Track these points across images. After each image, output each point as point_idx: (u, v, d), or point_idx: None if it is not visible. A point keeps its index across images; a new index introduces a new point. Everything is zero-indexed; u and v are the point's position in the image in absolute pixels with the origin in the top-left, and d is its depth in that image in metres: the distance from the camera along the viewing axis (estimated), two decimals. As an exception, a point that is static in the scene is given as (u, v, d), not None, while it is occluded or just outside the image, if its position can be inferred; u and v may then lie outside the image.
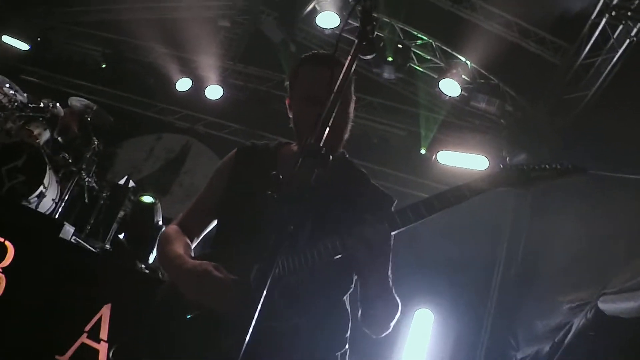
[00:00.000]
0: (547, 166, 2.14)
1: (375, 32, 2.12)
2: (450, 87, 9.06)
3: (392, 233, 2.12)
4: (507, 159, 2.20)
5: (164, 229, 2.64)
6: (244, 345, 1.44)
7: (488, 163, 9.04)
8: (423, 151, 10.22)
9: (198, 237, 2.66)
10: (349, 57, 2.01)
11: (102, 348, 4.63)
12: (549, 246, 8.10)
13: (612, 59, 7.81)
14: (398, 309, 2.35)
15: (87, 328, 4.73)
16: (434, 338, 8.53)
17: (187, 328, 2.19)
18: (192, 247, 2.56)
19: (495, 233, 9.54)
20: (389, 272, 2.24)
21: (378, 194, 2.58)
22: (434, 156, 9.76)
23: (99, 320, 4.75)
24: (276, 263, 1.54)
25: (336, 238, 2.11)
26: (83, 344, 4.66)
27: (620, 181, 6.65)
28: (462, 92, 9.12)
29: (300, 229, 2.21)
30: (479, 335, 8.90)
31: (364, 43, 2.08)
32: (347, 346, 2.45)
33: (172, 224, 2.65)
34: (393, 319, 2.35)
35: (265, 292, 1.51)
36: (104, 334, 4.68)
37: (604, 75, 8.00)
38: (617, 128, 7.22)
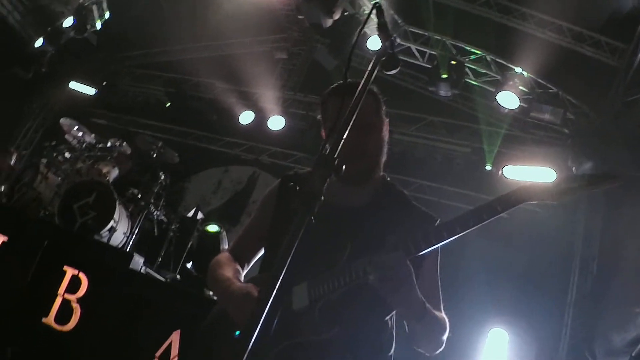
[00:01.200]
0: (577, 177, 2.09)
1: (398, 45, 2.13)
2: (508, 100, 8.96)
3: (411, 257, 2.11)
4: (573, 169, 2.16)
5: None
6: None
7: (555, 175, 8.85)
8: (489, 167, 10.09)
9: (248, 263, 2.74)
10: (367, 73, 2.00)
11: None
12: (623, 256, 7.87)
13: (671, 54, 7.61)
14: (443, 328, 2.35)
15: (158, 354, 4.86)
16: (510, 358, 8.34)
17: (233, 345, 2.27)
18: (243, 274, 2.65)
19: (567, 245, 9.31)
20: (419, 293, 2.18)
21: (419, 214, 2.58)
22: (500, 171, 9.63)
23: (169, 346, 4.87)
24: (281, 274, 1.56)
25: (359, 264, 2.15)
26: (153, 369, 4.79)
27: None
28: (522, 104, 9.01)
29: (338, 250, 2.27)
30: (556, 353, 8.65)
31: (384, 58, 2.08)
32: None
33: (224, 251, 2.76)
34: (438, 338, 2.36)
35: (268, 305, 1.51)
36: (174, 359, 4.80)
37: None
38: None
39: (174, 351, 4.86)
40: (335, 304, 2.21)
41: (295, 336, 2.18)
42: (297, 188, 1.71)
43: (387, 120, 2.65)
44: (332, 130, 1.88)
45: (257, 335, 1.47)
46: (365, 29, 8.96)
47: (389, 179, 2.69)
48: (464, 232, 2.11)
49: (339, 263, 2.23)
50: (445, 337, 2.37)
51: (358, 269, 2.15)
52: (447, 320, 2.38)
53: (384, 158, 2.61)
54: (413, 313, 2.20)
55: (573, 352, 8.43)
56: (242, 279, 2.56)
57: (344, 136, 1.84)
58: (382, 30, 2.18)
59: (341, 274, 2.18)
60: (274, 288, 1.53)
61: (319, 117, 2.73)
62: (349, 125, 1.87)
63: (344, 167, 1.76)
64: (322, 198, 1.67)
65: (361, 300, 2.24)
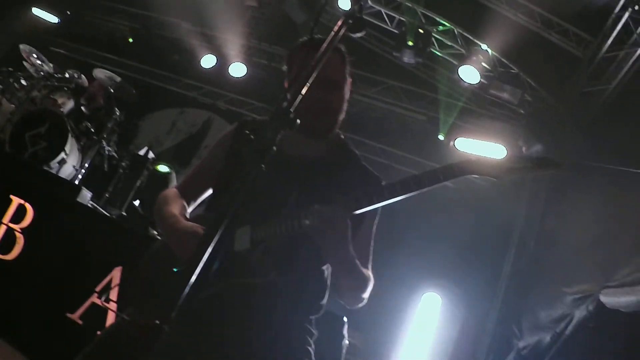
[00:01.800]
0: (521, 159, 2.17)
1: (362, 11, 2.16)
2: (469, 74, 9.06)
3: (355, 212, 2.18)
4: (523, 148, 2.24)
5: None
6: (181, 297, 1.47)
7: (506, 152, 9.05)
8: (441, 137, 10.25)
9: (194, 201, 2.75)
10: (332, 34, 2.02)
11: (112, 308, 4.78)
12: (560, 237, 8.14)
13: (635, 53, 7.77)
14: (367, 285, 2.43)
15: (98, 289, 4.89)
16: (441, 322, 8.63)
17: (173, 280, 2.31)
18: (189, 211, 2.67)
19: (508, 222, 9.57)
20: (351, 249, 2.26)
21: (366, 174, 2.65)
22: (452, 142, 9.80)
23: (110, 281, 4.90)
24: (227, 218, 1.59)
25: (299, 215, 2.20)
26: (93, 304, 4.82)
27: (633, 176, 6.66)
28: (482, 80, 9.12)
29: (284, 197, 2.32)
30: (485, 322, 8.97)
31: (351, 21, 2.10)
32: (322, 312, 2.55)
33: (172, 187, 2.78)
34: (360, 293, 2.43)
35: (211, 245, 1.55)
36: (113, 294, 4.83)
37: (625, 69, 7.96)
38: (637, 123, 7.23)
39: (115, 286, 4.90)
40: (275, 249, 2.26)
41: (232, 278, 2.22)
42: (251, 136, 1.74)
43: (350, 80, 2.69)
44: (293, 83, 1.90)
45: (197, 273, 1.49)
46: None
47: (343, 136, 2.74)
48: (405, 196, 2.17)
49: (283, 210, 2.27)
50: (366, 294, 2.45)
51: (299, 216, 2.20)
52: (372, 278, 2.45)
53: (343, 116, 2.66)
54: (343, 267, 2.29)
55: (501, 323, 8.73)
56: (187, 216, 2.59)
57: (304, 91, 1.85)
58: None
59: (283, 221, 2.23)
60: (218, 230, 1.56)
61: (284, 67, 2.75)
62: (309, 80, 1.89)
63: (298, 121, 1.78)
64: (274, 149, 1.71)
65: (300, 248, 2.31)
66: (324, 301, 2.56)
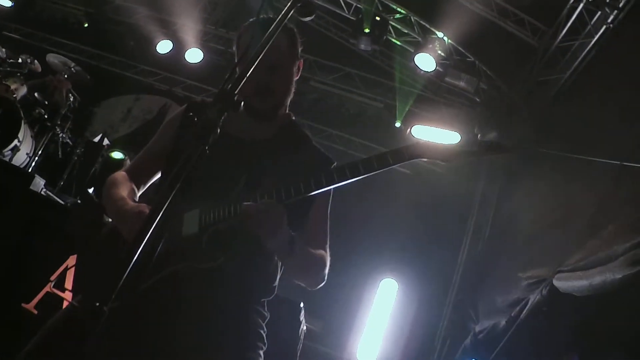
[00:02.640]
0: (472, 142, 2.16)
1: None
2: (425, 62, 9.11)
3: (287, 201, 2.18)
4: (479, 136, 2.24)
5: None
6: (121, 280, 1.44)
7: (460, 139, 9.12)
8: (398, 124, 10.33)
9: (144, 184, 2.72)
10: (279, 17, 2.01)
11: (67, 297, 4.72)
12: (515, 222, 8.27)
13: (589, 44, 7.90)
14: (320, 265, 2.43)
15: (53, 277, 4.82)
16: (397, 307, 8.74)
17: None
18: (138, 194, 2.64)
19: (464, 209, 9.73)
20: (287, 239, 2.24)
21: (317, 155, 2.65)
22: (408, 130, 9.89)
23: (65, 270, 4.84)
24: (166, 202, 1.55)
25: (236, 202, 2.20)
26: (48, 293, 4.75)
27: (583, 163, 6.79)
28: (438, 68, 9.17)
29: (233, 180, 2.30)
30: (442, 307, 9.11)
31: (300, 4, 2.08)
32: (273, 294, 2.54)
33: (121, 170, 2.72)
34: (315, 274, 2.44)
35: (149, 231, 1.50)
36: (69, 283, 4.76)
37: (579, 59, 8.10)
38: (589, 112, 7.38)
39: (70, 275, 4.83)
40: (223, 234, 2.25)
41: (181, 262, 2.20)
42: (195, 118, 1.72)
43: (301, 60, 2.69)
44: (237, 64, 1.89)
45: (139, 258, 1.47)
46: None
47: (294, 118, 2.73)
48: (354, 179, 2.15)
49: (232, 193, 2.25)
50: (324, 273, 2.44)
51: (235, 205, 2.20)
52: (327, 258, 2.45)
53: (289, 97, 2.66)
54: (281, 249, 2.27)
55: (457, 308, 8.89)
56: (136, 199, 2.56)
57: (248, 73, 1.84)
58: None
59: (232, 205, 2.21)
60: (160, 211, 1.53)
61: (233, 48, 2.75)
62: (253, 62, 1.87)
63: (242, 103, 1.76)
64: (218, 131, 1.69)
65: (248, 231, 2.27)
66: (276, 283, 2.55)
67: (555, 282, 6.12)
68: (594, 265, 5.52)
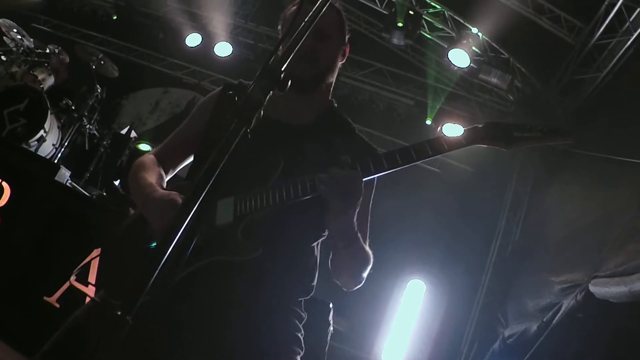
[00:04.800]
0: (531, 127, 2.05)
1: None
2: (459, 58, 8.94)
3: (364, 179, 2.02)
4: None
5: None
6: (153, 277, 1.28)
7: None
8: (429, 122, 10.18)
9: (174, 169, 2.58)
10: None
11: (90, 291, 4.64)
12: (547, 225, 8.10)
13: (627, 41, 7.64)
14: (367, 261, 2.27)
15: (76, 271, 4.74)
16: (425, 308, 8.58)
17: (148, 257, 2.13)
18: (166, 179, 2.48)
19: (494, 209, 9.56)
20: (356, 220, 2.11)
21: (361, 143, 2.49)
22: (439, 128, 9.73)
23: (88, 263, 4.75)
24: (206, 187, 1.39)
25: (307, 178, 2.03)
26: (71, 286, 4.67)
27: (622, 164, 6.59)
28: (472, 64, 9.00)
29: (271, 166, 2.16)
30: (470, 310, 8.95)
31: None
32: (312, 294, 2.37)
33: (149, 153, 2.57)
34: (361, 272, 2.28)
35: (188, 218, 1.34)
36: (92, 277, 4.68)
37: (617, 57, 7.87)
38: (627, 112, 7.17)
39: (93, 269, 4.76)
40: (261, 223, 2.10)
41: (214, 255, 2.03)
42: (236, 98, 1.55)
43: (348, 46, 2.54)
44: (284, 38, 1.75)
45: (174, 248, 1.31)
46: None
47: (336, 104, 2.57)
48: (414, 163, 2.05)
49: (270, 180, 2.11)
50: (366, 273, 2.30)
51: (297, 184, 2.04)
52: (371, 255, 2.30)
53: (333, 75, 2.50)
54: (346, 237, 2.13)
55: (486, 310, 8.74)
56: (164, 185, 2.40)
57: (296, 46, 1.67)
58: None
59: (271, 192, 2.06)
60: (197, 200, 1.37)
61: (278, 28, 2.57)
62: (302, 33, 1.70)
63: (289, 81, 1.61)
64: (262, 112, 1.53)
65: (288, 222, 2.16)
66: (314, 282, 2.38)
67: (591, 288, 5.93)
68: (634, 271, 5.33)
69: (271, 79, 1.58)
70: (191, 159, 2.55)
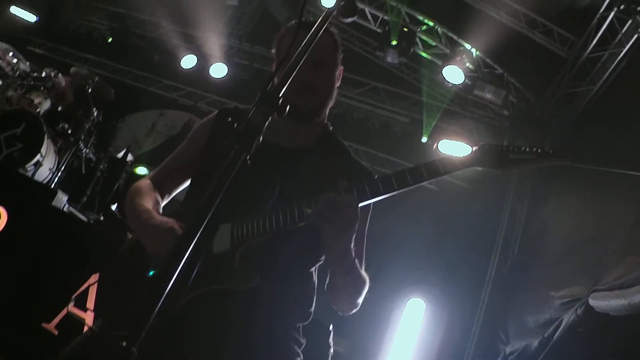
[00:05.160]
0: (527, 149, 2.05)
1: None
2: (454, 74, 8.98)
3: (360, 204, 2.02)
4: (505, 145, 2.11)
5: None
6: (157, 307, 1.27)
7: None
8: (425, 139, 10.19)
9: (169, 194, 2.58)
10: (323, 15, 1.91)
11: (88, 317, 4.62)
12: (545, 240, 8.08)
13: (620, 53, 7.70)
14: (363, 287, 2.27)
15: (74, 295, 4.72)
16: (425, 327, 8.53)
17: (147, 284, 2.12)
18: (162, 204, 2.49)
19: (492, 225, 9.53)
20: (353, 245, 2.10)
21: (357, 167, 2.50)
22: (435, 145, 9.74)
23: (87, 289, 4.74)
24: (208, 215, 1.38)
25: (303, 204, 2.03)
26: (69, 313, 4.66)
27: (618, 176, 6.59)
28: (466, 80, 9.04)
29: (267, 191, 2.16)
30: (470, 327, 8.89)
31: (342, 3, 2.00)
32: (310, 319, 2.38)
33: (145, 178, 2.57)
34: (357, 296, 2.28)
35: (191, 246, 1.34)
36: (90, 302, 4.66)
37: (610, 69, 7.91)
38: (621, 124, 7.18)
39: (91, 295, 4.74)
40: (258, 250, 2.10)
41: (214, 283, 2.03)
42: (235, 124, 1.55)
43: (341, 68, 2.56)
44: (282, 64, 1.75)
45: (175, 277, 1.30)
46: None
47: (332, 128, 2.59)
48: (410, 187, 2.03)
49: (266, 205, 2.11)
50: (361, 298, 2.30)
51: (293, 209, 2.03)
52: (367, 280, 2.29)
53: (331, 102, 2.52)
54: (344, 263, 2.11)
55: (486, 327, 8.67)
56: (160, 210, 2.41)
57: (293, 71, 1.70)
58: None
59: (268, 218, 2.06)
60: (199, 228, 1.36)
61: (272, 51, 2.59)
62: (299, 60, 1.74)
63: (288, 106, 1.62)
64: (261, 138, 1.54)
65: (286, 248, 2.16)
66: (313, 307, 2.39)
67: (591, 301, 5.90)
68: (634, 283, 5.30)
69: (270, 105, 1.60)
70: (187, 183, 2.56)
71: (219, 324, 2.11)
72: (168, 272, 1.30)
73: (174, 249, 1.35)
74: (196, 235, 1.35)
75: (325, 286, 2.31)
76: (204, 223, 1.37)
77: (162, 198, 2.52)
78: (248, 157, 1.50)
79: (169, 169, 2.61)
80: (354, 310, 2.34)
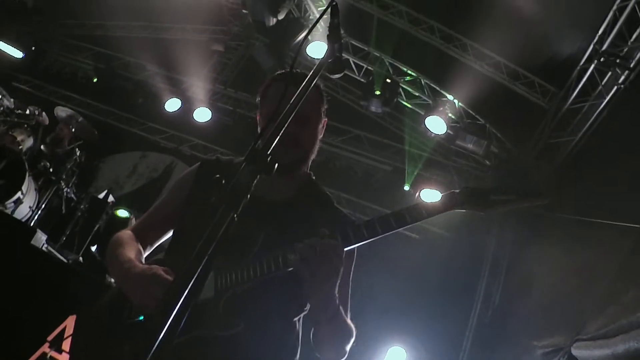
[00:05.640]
0: (508, 190, 2.09)
1: (343, 54, 2.07)
2: (436, 125, 9.08)
3: (345, 249, 2.04)
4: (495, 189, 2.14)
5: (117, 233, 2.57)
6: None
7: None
8: (407, 188, 10.22)
9: (151, 245, 2.58)
10: (312, 72, 1.94)
11: (64, 359, 4.51)
12: (527, 289, 8.07)
13: (600, 104, 7.84)
14: (349, 335, 2.27)
15: (50, 338, 4.62)
16: (406, 376, 8.44)
17: (134, 331, 2.12)
18: (144, 255, 2.48)
19: (474, 274, 9.52)
20: (337, 292, 2.11)
21: (339, 216, 2.51)
22: (417, 193, 9.77)
23: (63, 330, 4.64)
24: (201, 264, 1.39)
25: (287, 250, 2.05)
26: (44, 354, 4.55)
27: (600, 226, 6.63)
28: (448, 131, 9.15)
29: (250, 241, 2.17)
30: (451, 377, 8.81)
31: (330, 60, 2.03)
32: None
33: (127, 229, 2.58)
34: (344, 346, 2.27)
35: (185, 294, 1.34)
36: (66, 345, 4.56)
37: (591, 120, 8.03)
38: (602, 174, 7.26)
39: (68, 335, 4.64)
40: (242, 298, 2.11)
41: (198, 329, 2.03)
42: (223, 181, 1.56)
43: (325, 119, 2.60)
44: (270, 121, 1.76)
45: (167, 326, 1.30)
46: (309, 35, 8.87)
47: (314, 177, 2.62)
48: (394, 231, 2.07)
49: (250, 254, 2.12)
50: (349, 347, 2.29)
51: (276, 258, 2.05)
52: (354, 329, 2.30)
53: (313, 155, 2.55)
54: (328, 309, 2.11)
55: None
56: (143, 260, 2.39)
57: (280, 130, 1.72)
58: (334, 31, 2.10)
59: (252, 266, 2.08)
60: (192, 276, 1.36)
61: (257, 99, 2.62)
62: (286, 118, 1.76)
63: (276, 165, 1.64)
64: (248, 197, 1.56)
65: (269, 296, 2.16)
66: (297, 358, 2.38)
67: (574, 351, 5.89)
68: (616, 333, 5.30)
69: (258, 164, 1.62)
70: (169, 234, 2.57)
71: None
72: (161, 317, 1.30)
73: (166, 296, 1.36)
74: (185, 292, 1.35)
75: (311, 336, 2.30)
76: (192, 282, 1.37)
77: (144, 249, 2.52)
78: (235, 216, 1.51)
79: (152, 221, 2.63)
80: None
